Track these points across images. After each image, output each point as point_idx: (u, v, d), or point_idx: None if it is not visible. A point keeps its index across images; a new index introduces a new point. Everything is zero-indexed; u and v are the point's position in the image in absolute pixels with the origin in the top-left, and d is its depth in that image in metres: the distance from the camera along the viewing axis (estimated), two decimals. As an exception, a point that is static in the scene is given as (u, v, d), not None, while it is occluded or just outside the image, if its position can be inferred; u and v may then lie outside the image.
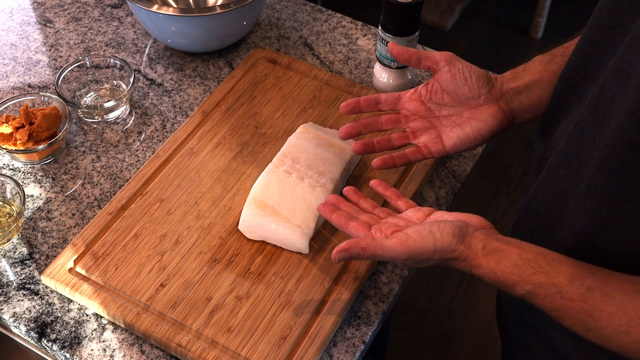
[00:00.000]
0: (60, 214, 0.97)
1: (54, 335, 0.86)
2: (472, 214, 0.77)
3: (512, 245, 0.70)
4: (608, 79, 0.62)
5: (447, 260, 0.73)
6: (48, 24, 1.22)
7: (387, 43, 1.01)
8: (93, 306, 0.86)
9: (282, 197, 0.90)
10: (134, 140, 1.05)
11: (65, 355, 0.85)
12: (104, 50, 1.17)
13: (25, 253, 0.93)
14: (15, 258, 0.93)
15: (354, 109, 0.88)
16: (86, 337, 0.86)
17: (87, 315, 0.88)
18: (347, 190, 0.87)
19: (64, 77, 1.07)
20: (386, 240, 0.74)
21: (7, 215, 0.95)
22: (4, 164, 1.03)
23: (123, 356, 0.84)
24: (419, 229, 0.73)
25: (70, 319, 0.88)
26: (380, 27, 1.02)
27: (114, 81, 1.11)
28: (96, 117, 1.07)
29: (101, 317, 0.88)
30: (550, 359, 0.79)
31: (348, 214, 0.82)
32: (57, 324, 0.87)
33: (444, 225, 0.72)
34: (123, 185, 0.98)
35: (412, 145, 0.89)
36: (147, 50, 1.18)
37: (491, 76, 0.85)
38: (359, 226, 0.79)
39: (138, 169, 1.01)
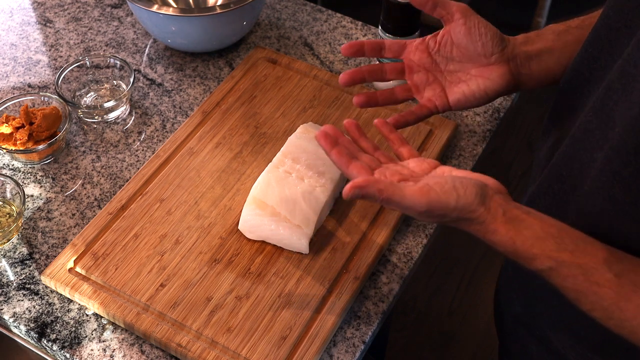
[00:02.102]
0: (60, 214, 0.97)
1: (54, 335, 0.86)
2: (485, 175, 0.71)
3: (533, 216, 0.66)
4: (614, 81, 0.62)
5: (463, 220, 0.67)
6: (48, 24, 1.22)
7: None
8: (93, 306, 0.86)
9: (282, 197, 0.90)
10: (134, 140, 1.05)
11: (65, 355, 0.85)
12: (104, 50, 1.17)
13: (25, 253, 0.93)
14: (15, 258, 0.93)
15: (357, 51, 0.82)
16: (86, 337, 0.86)
17: (87, 315, 0.88)
18: (348, 123, 0.79)
19: (64, 77, 1.07)
20: (406, 186, 0.67)
21: (7, 215, 0.95)
22: (4, 164, 1.03)
23: (123, 356, 0.84)
24: (441, 181, 0.67)
25: (70, 319, 0.88)
26: (380, 27, 1.02)
27: (114, 81, 1.11)
28: (96, 117, 1.07)
29: (101, 317, 0.88)
30: (548, 359, 0.79)
31: (349, 151, 0.74)
32: (57, 324, 0.87)
33: (467, 183, 0.67)
34: (123, 185, 0.98)
35: (414, 102, 0.83)
36: (147, 50, 1.18)
37: (505, 37, 0.81)
38: (361, 168, 0.71)
39: (138, 169, 1.01)
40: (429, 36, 0.83)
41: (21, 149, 0.99)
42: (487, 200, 0.66)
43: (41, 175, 1.01)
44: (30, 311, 0.88)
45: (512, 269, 0.85)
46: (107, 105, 1.05)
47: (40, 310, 0.88)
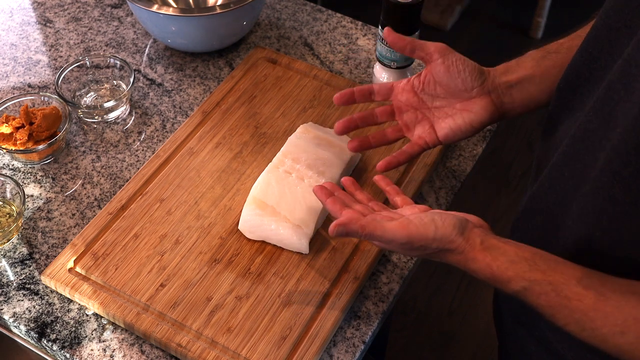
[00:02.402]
0: (60, 214, 0.97)
1: (54, 335, 0.86)
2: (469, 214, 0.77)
3: (510, 244, 0.70)
4: (614, 81, 0.62)
5: (444, 252, 0.72)
6: (48, 24, 1.22)
7: (387, 43, 1.01)
8: (93, 306, 0.86)
9: (282, 197, 0.90)
10: (134, 140, 1.05)
11: (65, 355, 0.85)
12: (104, 50, 1.18)
13: (25, 253, 0.93)
14: (15, 258, 0.93)
15: (348, 100, 0.88)
16: (86, 337, 0.86)
17: (87, 315, 0.88)
18: (345, 180, 0.87)
19: (64, 77, 1.07)
20: (387, 221, 0.73)
21: (7, 215, 0.95)
22: (4, 164, 1.03)
23: (123, 356, 0.84)
24: (420, 215, 0.73)
25: (70, 319, 0.88)
26: (380, 27, 1.02)
27: (114, 81, 1.11)
28: (96, 117, 1.07)
29: (101, 317, 0.88)
30: (547, 359, 0.79)
31: (343, 201, 0.81)
32: (57, 324, 0.87)
33: (445, 216, 0.72)
34: (123, 185, 0.98)
35: (407, 140, 0.89)
36: (147, 50, 1.18)
37: (484, 69, 0.85)
38: (353, 213, 0.77)
39: (138, 169, 1.01)
40: (414, 76, 0.87)
41: (21, 149, 0.99)
42: (467, 231, 0.71)
43: (41, 175, 1.01)
44: (30, 311, 0.88)
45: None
46: (107, 105, 1.05)
47: (40, 310, 0.88)
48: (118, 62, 1.09)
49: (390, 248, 0.74)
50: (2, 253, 0.93)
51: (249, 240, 0.91)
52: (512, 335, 0.86)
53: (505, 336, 0.89)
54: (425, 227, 0.71)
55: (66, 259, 0.89)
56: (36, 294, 0.90)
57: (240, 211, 0.92)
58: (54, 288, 0.89)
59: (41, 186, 1.00)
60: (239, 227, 0.92)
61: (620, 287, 0.63)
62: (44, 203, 0.98)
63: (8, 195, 0.96)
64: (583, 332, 0.65)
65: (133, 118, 1.09)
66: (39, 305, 0.89)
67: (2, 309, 0.88)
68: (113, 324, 0.87)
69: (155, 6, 1.07)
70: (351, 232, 0.73)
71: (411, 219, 0.72)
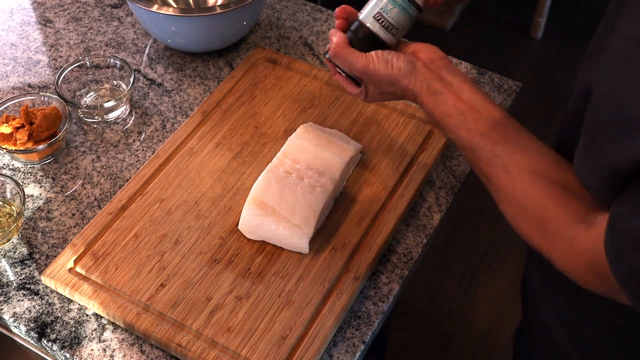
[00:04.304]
0: (60, 214, 0.97)
1: (54, 335, 0.86)
2: (426, 44, 0.82)
3: (452, 89, 0.77)
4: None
5: (403, 91, 0.81)
6: (48, 24, 1.22)
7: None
8: (93, 306, 0.86)
9: (282, 197, 0.90)
10: (134, 140, 1.05)
11: (65, 355, 0.85)
12: (104, 50, 1.18)
13: (25, 253, 0.93)
14: (15, 258, 0.93)
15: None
16: (86, 337, 0.86)
17: (87, 315, 0.88)
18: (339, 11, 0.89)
19: (64, 77, 1.07)
20: (358, 52, 0.82)
21: (7, 215, 0.95)
22: (4, 164, 1.03)
23: (123, 356, 0.84)
24: (384, 54, 0.81)
25: (70, 319, 0.88)
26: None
27: (114, 81, 1.11)
28: (96, 117, 1.07)
29: (101, 317, 0.88)
30: (561, 329, 0.82)
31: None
32: (57, 324, 0.87)
33: (397, 57, 0.80)
34: (123, 185, 0.98)
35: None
36: (147, 50, 1.18)
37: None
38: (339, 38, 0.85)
39: (138, 169, 1.01)
40: None
41: (21, 149, 0.99)
42: (415, 72, 0.79)
43: (41, 175, 1.01)
44: (30, 311, 0.88)
45: (528, 248, 0.87)
46: (107, 105, 1.05)
47: (40, 310, 0.88)
48: (118, 62, 1.09)
49: (354, 74, 0.83)
50: (2, 253, 0.93)
51: (249, 240, 0.91)
52: (534, 303, 0.89)
53: (528, 303, 0.92)
54: (380, 63, 0.80)
55: (66, 259, 0.89)
56: (36, 294, 0.90)
57: (240, 211, 0.92)
58: (54, 288, 0.89)
59: (41, 186, 1.00)
60: (239, 227, 0.92)
61: (526, 164, 0.69)
62: (44, 203, 0.98)
63: (8, 195, 0.96)
64: (489, 187, 0.74)
65: (133, 118, 1.09)
66: (39, 305, 0.89)
67: (2, 309, 0.88)
68: (113, 324, 0.87)
69: (155, 6, 1.07)
70: (332, 52, 0.84)
71: (375, 55, 0.81)
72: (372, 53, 0.82)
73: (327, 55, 0.86)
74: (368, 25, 0.84)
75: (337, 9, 0.86)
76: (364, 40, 0.84)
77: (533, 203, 0.68)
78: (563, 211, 0.66)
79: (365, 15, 0.84)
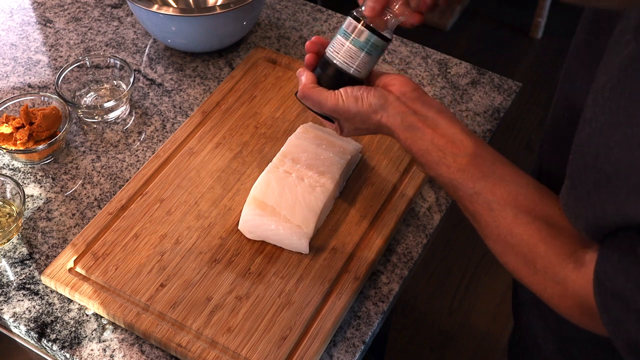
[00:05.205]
0: (60, 214, 0.97)
1: (54, 335, 0.86)
2: (398, 75, 0.79)
3: (427, 123, 0.74)
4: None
5: (377, 127, 0.78)
6: (48, 24, 1.22)
7: None
8: (93, 306, 0.86)
9: (282, 197, 0.90)
10: (134, 140, 1.06)
11: (65, 355, 0.85)
12: (104, 50, 1.18)
13: (25, 253, 0.93)
14: (15, 258, 0.93)
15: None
16: (86, 337, 0.86)
17: (87, 315, 0.88)
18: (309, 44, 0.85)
19: (64, 77, 1.07)
20: (326, 91, 0.80)
21: (7, 215, 0.95)
22: (4, 164, 1.03)
23: (123, 356, 0.85)
24: (353, 90, 0.78)
25: (70, 319, 0.88)
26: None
27: (114, 81, 1.11)
28: (96, 117, 1.07)
29: (101, 317, 0.88)
30: (552, 341, 0.81)
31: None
32: (57, 324, 0.87)
33: (368, 92, 0.77)
34: (123, 185, 0.98)
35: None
36: (147, 50, 1.18)
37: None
38: (308, 79, 0.82)
39: (138, 169, 1.01)
40: None
41: (21, 149, 0.99)
42: (387, 107, 0.76)
43: (41, 175, 1.01)
44: (30, 311, 0.88)
45: None
46: (107, 105, 1.05)
47: (40, 310, 0.88)
48: (118, 62, 1.09)
49: (325, 113, 0.81)
50: (2, 253, 0.93)
51: (249, 240, 0.91)
52: (524, 314, 0.89)
53: (519, 315, 0.92)
54: (349, 100, 0.78)
55: (66, 259, 0.89)
56: (36, 294, 0.90)
57: (240, 211, 0.92)
58: (54, 288, 0.89)
59: (41, 186, 1.00)
60: (239, 227, 0.92)
61: (509, 200, 0.68)
62: (44, 203, 0.98)
63: (8, 195, 0.96)
64: (474, 224, 0.72)
65: (133, 118, 1.09)
66: (39, 305, 0.89)
67: (2, 309, 0.88)
68: (113, 324, 0.87)
69: (155, 6, 1.07)
70: (300, 93, 0.81)
71: (344, 93, 0.78)
72: (341, 90, 0.79)
73: (297, 96, 0.83)
74: (335, 62, 0.79)
75: (307, 43, 0.82)
76: (332, 77, 0.80)
77: (519, 242, 0.67)
78: (550, 249, 0.65)
79: (332, 50, 0.80)
